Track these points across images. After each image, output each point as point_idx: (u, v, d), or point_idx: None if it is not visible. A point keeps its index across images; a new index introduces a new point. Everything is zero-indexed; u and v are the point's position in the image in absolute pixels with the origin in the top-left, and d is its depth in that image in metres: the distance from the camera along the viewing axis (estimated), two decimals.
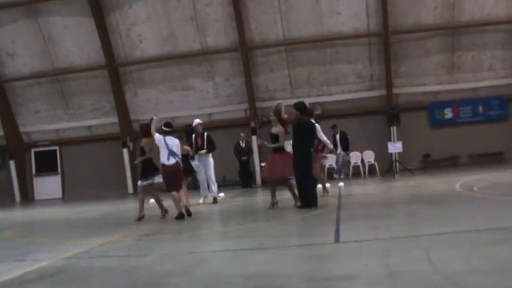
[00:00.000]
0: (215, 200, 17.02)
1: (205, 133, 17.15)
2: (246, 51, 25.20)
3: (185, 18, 25.30)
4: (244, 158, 23.91)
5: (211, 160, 17.16)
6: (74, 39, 26.16)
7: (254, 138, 25.50)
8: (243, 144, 24.11)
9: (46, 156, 28.41)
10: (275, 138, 13.72)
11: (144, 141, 13.72)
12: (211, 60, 26.10)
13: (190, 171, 17.35)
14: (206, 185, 17.29)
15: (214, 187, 17.19)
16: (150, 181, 13.62)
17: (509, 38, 24.82)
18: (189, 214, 13.36)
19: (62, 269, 7.82)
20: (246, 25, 25.02)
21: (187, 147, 17.22)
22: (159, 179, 13.61)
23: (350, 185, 20.71)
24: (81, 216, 17.27)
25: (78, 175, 27.22)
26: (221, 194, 19.55)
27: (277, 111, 13.84)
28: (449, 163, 25.22)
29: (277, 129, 13.71)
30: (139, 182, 13.86)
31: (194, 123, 17.30)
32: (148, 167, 13.65)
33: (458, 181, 16.85)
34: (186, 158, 16.94)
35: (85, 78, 26.90)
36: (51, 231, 13.79)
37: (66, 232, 13.30)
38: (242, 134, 24.14)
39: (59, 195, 28.10)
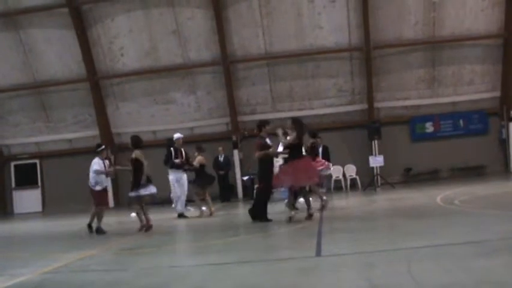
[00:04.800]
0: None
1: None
2: (227, 65, 25.17)
3: (167, 32, 25.23)
4: (221, 172, 23.79)
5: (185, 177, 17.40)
6: (55, 52, 25.95)
7: (236, 152, 25.45)
8: (221, 158, 24.04)
9: (26, 170, 28.10)
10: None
11: (136, 153, 13.82)
12: (193, 74, 26.01)
13: (210, 181, 17.37)
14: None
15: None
16: (141, 193, 13.72)
17: (488, 52, 25.01)
18: None
19: (40, 284, 7.71)
20: (228, 39, 25.00)
21: (201, 158, 17.15)
22: (150, 190, 13.80)
23: (331, 199, 20.72)
24: (60, 230, 17.11)
25: (58, 188, 26.91)
26: (203, 208, 19.50)
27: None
28: (431, 177, 25.28)
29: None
30: (131, 194, 13.89)
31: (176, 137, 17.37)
32: (136, 179, 13.78)
33: (439, 194, 16.90)
34: (202, 168, 17.03)
35: (66, 91, 26.66)
36: (30, 246, 13.63)
37: (45, 246, 13.16)
38: (220, 148, 24.10)
39: (39, 208, 27.78)
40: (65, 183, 26.50)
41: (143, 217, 13.87)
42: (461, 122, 25.55)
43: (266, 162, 13.91)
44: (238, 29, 24.99)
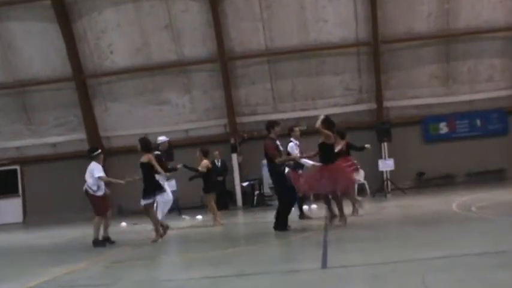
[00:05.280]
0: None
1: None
2: (225, 62, 25.18)
3: (159, 26, 25.23)
4: (219, 178, 23.76)
5: None
6: (37, 48, 25.90)
7: (234, 156, 25.44)
8: (218, 163, 23.97)
9: (5, 177, 28.00)
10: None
11: (145, 157, 13.80)
12: (188, 71, 26.03)
13: (215, 188, 17.45)
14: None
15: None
16: (153, 200, 13.83)
17: (508, 46, 24.99)
18: None
19: None
20: (225, 34, 25.02)
21: (206, 162, 17.16)
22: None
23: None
24: (44, 242, 17.10)
25: (41, 197, 26.83)
26: (199, 217, 19.55)
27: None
28: (445, 181, 25.25)
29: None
30: (142, 201, 13.88)
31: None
32: (152, 184, 13.80)
33: (455, 201, 16.92)
34: (209, 174, 16.94)
35: (49, 91, 26.63)
36: (11, 260, 13.63)
37: (28, 260, 13.16)
38: (216, 152, 24.02)
39: (19, 219, 27.65)
40: (48, 192, 26.47)
41: (159, 226, 13.96)
42: (478, 121, 25.54)
43: (280, 167, 13.92)
44: (237, 23, 25.00)
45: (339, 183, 13.57)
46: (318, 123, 13.48)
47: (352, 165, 16.26)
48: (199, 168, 17.04)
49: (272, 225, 13.74)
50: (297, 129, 15.67)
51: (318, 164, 14.57)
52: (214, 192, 17.44)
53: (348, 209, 14.93)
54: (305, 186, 14.36)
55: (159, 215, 17.00)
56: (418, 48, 25.04)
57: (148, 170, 13.82)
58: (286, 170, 14.91)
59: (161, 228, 13.96)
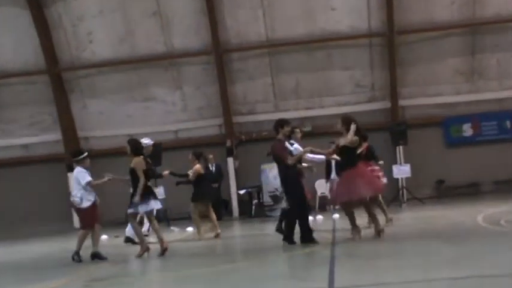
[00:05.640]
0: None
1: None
2: (220, 55, 25.18)
3: (146, 13, 25.20)
4: (214, 185, 23.73)
5: None
6: (5, 37, 25.78)
7: (230, 160, 25.41)
8: (212, 168, 23.93)
9: None
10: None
11: (135, 161, 13.68)
12: (179, 65, 26.03)
13: (205, 197, 17.39)
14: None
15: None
16: (146, 208, 13.69)
17: None
18: None
19: None
20: (220, 22, 25.00)
21: (198, 166, 17.11)
22: (151, 206, 13.76)
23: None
24: (17, 257, 17.06)
25: (9, 206, 26.71)
26: (189, 229, 19.53)
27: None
28: (469, 191, 25.23)
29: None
30: (129, 210, 13.78)
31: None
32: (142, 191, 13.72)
33: (480, 213, 16.89)
34: (200, 180, 16.93)
35: (20, 85, 26.59)
36: None
37: (1, 278, 13.15)
38: (210, 156, 23.94)
39: None
40: (18, 200, 26.41)
41: (144, 239, 13.88)
42: (508, 123, 25.54)
43: (293, 169, 13.95)
44: (233, 10, 25.01)
45: (358, 189, 13.60)
46: (350, 136, 13.59)
47: (374, 171, 16.27)
48: (189, 175, 16.97)
49: (271, 237, 13.73)
50: (297, 130, 15.70)
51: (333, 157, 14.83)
52: (204, 201, 17.33)
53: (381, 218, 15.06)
54: (335, 195, 14.73)
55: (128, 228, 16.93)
56: (439, 40, 25.06)
57: (137, 176, 13.73)
58: None
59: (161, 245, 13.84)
